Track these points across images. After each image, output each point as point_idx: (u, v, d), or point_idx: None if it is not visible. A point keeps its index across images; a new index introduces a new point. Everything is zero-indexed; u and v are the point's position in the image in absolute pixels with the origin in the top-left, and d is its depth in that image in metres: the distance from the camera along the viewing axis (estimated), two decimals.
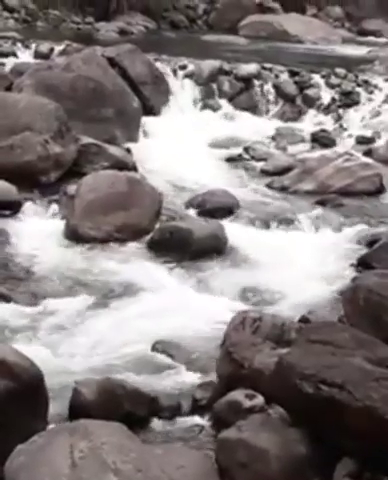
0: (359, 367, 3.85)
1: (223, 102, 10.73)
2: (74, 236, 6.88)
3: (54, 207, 7.39)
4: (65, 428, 3.73)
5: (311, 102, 10.86)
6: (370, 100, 10.83)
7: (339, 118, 10.66)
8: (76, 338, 5.28)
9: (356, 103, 10.81)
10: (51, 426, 4.03)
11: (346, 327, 4.56)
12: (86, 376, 4.57)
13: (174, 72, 10.78)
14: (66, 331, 5.38)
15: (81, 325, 5.47)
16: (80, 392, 4.34)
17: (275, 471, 3.72)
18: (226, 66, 11.04)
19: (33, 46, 11.31)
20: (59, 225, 7.04)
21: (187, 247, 6.69)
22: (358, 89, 10.96)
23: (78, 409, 4.29)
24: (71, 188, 7.45)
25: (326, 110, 10.79)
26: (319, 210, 7.82)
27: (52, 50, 11.12)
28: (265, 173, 9.01)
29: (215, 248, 6.75)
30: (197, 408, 4.54)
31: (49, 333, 5.34)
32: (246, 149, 9.61)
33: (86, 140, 8.33)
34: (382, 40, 15.25)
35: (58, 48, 11.11)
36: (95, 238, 6.85)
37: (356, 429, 3.66)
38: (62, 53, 10.86)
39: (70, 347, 5.15)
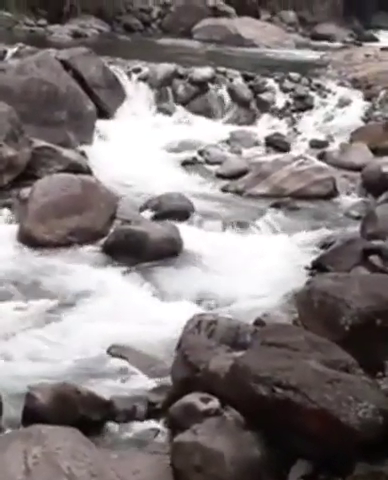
0: (314, 369, 3.87)
1: (178, 106, 10.73)
2: (28, 240, 6.82)
3: (7, 211, 7.32)
4: (19, 434, 3.69)
5: (265, 106, 10.92)
6: (324, 104, 10.93)
7: (293, 122, 10.73)
8: (30, 343, 5.23)
9: (310, 107, 10.89)
10: (4, 432, 3.98)
11: (301, 330, 4.58)
12: (40, 381, 4.53)
13: (128, 75, 10.75)
14: (19, 336, 5.32)
15: (35, 329, 5.42)
16: (34, 397, 4.29)
17: (230, 474, 3.72)
18: (181, 70, 11.04)
19: None
20: (12, 229, 6.97)
21: (142, 251, 6.67)
22: (312, 93, 11.04)
23: (32, 414, 4.25)
24: (24, 191, 7.39)
25: (280, 114, 10.85)
26: (274, 213, 7.86)
27: (5, 52, 11.02)
28: (220, 177, 9.03)
29: (170, 252, 6.74)
30: (152, 412, 4.52)
31: (1, 338, 5.28)
32: (201, 153, 9.63)
33: (40, 143, 8.26)
34: (335, 44, 15.39)
35: (11, 50, 11.01)
36: (49, 242, 6.80)
37: (311, 431, 3.68)
38: (15, 55, 10.76)
39: (23, 352, 5.10)
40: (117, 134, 9.58)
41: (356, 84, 11.34)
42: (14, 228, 6.98)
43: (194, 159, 9.49)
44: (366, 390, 3.80)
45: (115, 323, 5.48)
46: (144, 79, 10.80)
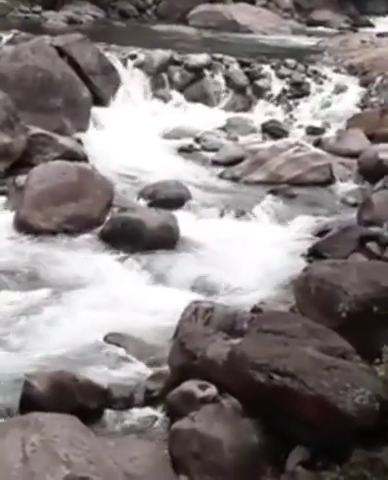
0: (311, 356, 3.87)
1: (174, 92, 10.70)
2: (24, 228, 6.81)
3: (3, 198, 7.30)
4: (16, 422, 3.70)
5: (261, 93, 10.89)
6: (320, 91, 10.90)
7: (289, 109, 10.71)
8: (27, 331, 5.23)
9: (306, 94, 10.86)
10: (1, 420, 3.99)
11: (298, 317, 4.59)
12: (37, 369, 4.53)
13: (124, 62, 10.70)
14: (17, 324, 5.32)
15: (32, 318, 5.42)
16: (31, 385, 4.29)
17: (228, 461, 3.73)
18: (176, 56, 11.00)
19: None
20: (8, 217, 6.96)
21: (139, 238, 6.66)
22: (308, 80, 11.01)
23: (29, 402, 4.25)
24: (20, 179, 7.37)
25: (276, 101, 10.82)
26: (270, 200, 7.85)
27: None
28: (216, 163, 9.01)
29: (167, 239, 6.73)
30: (150, 399, 4.53)
31: None
32: (197, 140, 9.61)
33: (35, 130, 8.24)
34: (331, 30, 15.33)
35: (6, 37, 10.94)
36: (46, 229, 6.79)
37: (308, 418, 3.69)
38: (10, 42, 10.70)
39: (21, 340, 5.10)
40: (113, 121, 9.55)
41: (352, 70, 11.31)
42: (10, 216, 6.96)
43: (190, 146, 9.47)
44: (363, 377, 3.81)
45: (112, 311, 5.47)
46: (140, 66, 10.76)
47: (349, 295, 4.54)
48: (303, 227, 7.22)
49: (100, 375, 4.66)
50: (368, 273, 4.73)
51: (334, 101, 10.71)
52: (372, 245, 6.30)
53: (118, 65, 10.57)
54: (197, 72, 10.91)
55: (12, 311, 5.49)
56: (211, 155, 9.23)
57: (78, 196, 7.03)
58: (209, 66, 11.01)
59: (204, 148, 9.48)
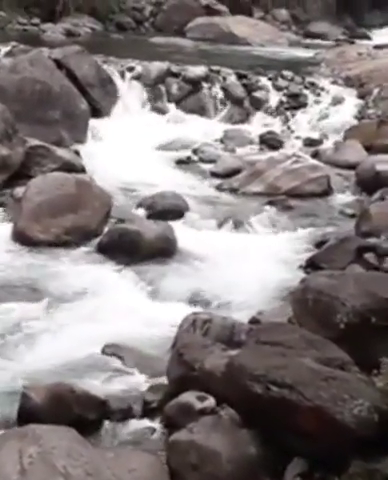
0: (309, 367, 3.87)
1: (171, 105, 10.74)
2: (22, 239, 6.81)
3: (0, 210, 7.31)
4: (14, 433, 3.69)
5: (259, 104, 10.92)
6: (317, 102, 10.93)
7: (287, 120, 10.74)
8: (25, 343, 5.22)
9: (303, 105, 10.90)
10: None
11: (295, 328, 4.59)
12: (35, 381, 4.52)
13: (122, 74, 10.75)
14: (15, 336, 5.31)
15: (30, 329, 5.41)
16: (29, 397, 4.29)
17: (226, 472, 3.73)
18: (174, 68, 11.05)
19: None
20: (6, 229, 6.96)
21: (137, 250, 6.67)
22: (305, 91, 11.05)
23: (27, 414, 4.24)
24: (18, 191, 7.39)
25: (274, 112, 10.86)
26: (268, 212, 7.86)
27: None
28: (214, 175, 9.03)
29: (165, 250, 6.74)
30: (148, 411, 4.52)
31: None
32: (195, 151, 9.63)
33: (34, 142, 8.25)
34: (328, 42, 15.39)
35: (4, 49, 10.99)
36: (44, 241, 6.79)
37: (306, 429, 3.69)
38: (8, 54, 10.74)
39: (18, 352, 5.09)
40: (111, 133, 9.57)
41: (349, 82, 11.35)
42: (8, 227, 6.97)
43: (188, 158, 9.49)
44: (361, 388, 3.81)
45: (110, 322, 5.47)
46: (137, 78, 10.80)
47: (347, 306, 4.54)
48: (301, 238, 7.23)
49: (98, 386, 4.65)
50: (366, 284, 4.73)
51: (331, 113, 10.74)
52: (370, 256, 6.31)
53: (116, 77, 10.61)
54: (194, 84, 10.94)
55: (9, 323, 5.48)
56: (209, 167, 9.25)
57: (76, 207, 7.04)
58: (206, 78, 11.05)
59: (202, 160, 9.50)
